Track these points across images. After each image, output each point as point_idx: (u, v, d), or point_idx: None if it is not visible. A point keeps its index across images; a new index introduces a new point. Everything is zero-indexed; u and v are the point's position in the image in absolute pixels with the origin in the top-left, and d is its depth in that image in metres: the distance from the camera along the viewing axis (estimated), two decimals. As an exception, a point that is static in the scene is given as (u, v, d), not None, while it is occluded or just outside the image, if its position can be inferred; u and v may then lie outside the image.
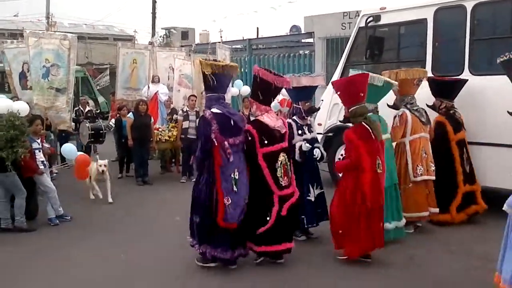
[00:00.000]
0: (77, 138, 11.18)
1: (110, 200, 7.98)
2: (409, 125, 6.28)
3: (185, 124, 9.56)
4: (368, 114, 5.87)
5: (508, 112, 5.73)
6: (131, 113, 9.71)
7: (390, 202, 5.75)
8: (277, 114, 8.59)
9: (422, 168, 6.24)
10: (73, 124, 10.92)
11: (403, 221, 5.93)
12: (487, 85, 6.61)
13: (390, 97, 6.38)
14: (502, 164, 6.43)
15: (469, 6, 6.79)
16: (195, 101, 9.98)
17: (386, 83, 5.87)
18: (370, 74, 6.00)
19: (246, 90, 11.78)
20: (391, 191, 5.82)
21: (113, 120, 11.91)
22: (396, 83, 6.09)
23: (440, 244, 5.87)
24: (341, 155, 8.47)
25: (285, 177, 5.01)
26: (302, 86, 5.76)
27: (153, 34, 26.23)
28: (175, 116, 10.20)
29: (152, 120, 9.84)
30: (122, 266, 5.35)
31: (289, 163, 5.10)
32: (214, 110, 4.91)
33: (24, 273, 5.19)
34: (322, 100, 8.93)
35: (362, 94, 5.23)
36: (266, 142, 4.95)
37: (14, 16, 29.00)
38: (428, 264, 5.25)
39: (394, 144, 6.28)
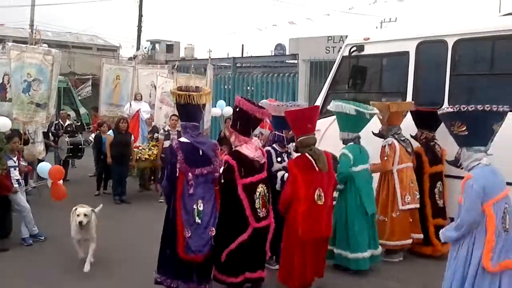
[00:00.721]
0: (55, 152, 11.04)
1: (87, 268, 5.78)
2: (397, 154, 6.41)
3: (166, 143, 9.49)
4: (350, 144, 5.98)
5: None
6: (111, 130, 9.62)
7: (367, 230, 5.83)
8: (258, 137, 8.66)
9: (409, 197, 6.37)
10: (51, 137, 10.81)
11: (380, 249, 6.02)
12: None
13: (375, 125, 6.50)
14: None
15: (450, 42, 6.92)
16: (177, 120, 9.93)
17: (364, 113, 6.00)
18: (339, 103, 6.18)
19: (229, 110, 11.79)
20: (368, 219, 5.89)
21: (93, 135, 11.82)
22: (377, 111, 6.22)
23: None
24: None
25: (263, 208, 4.97)
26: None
27: (138, 48, 26.14)
28: (156, 134, 10.15)
29: (133, 138, 9.76)
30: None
31: (267, 194, 5.05)
32: (182, 139, 4.90)
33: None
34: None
35: (310, 126, 5.31)
36: (245, 173, 4.90)
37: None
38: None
39: (379, 173, 6.45)
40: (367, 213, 5.85)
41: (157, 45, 25.48)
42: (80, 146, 10.82)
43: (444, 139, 6.76)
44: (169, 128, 9.82)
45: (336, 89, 8.49)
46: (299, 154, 5.34)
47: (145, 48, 31.16)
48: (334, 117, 8.04)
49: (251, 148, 5.00)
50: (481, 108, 3.99)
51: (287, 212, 5.15)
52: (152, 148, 9.84)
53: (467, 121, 3.98)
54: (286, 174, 5.65)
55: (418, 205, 6.47)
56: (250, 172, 4.94)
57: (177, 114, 10.29)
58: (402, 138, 6.59)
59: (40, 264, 6.05)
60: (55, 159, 11.07)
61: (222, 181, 4.92)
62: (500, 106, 4.01)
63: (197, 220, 4.73)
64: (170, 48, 36.94)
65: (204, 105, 4.98)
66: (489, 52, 6.83)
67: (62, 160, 10.82)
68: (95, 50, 36.07)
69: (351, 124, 6.16)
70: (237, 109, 5.08)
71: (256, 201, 4.91)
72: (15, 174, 6.66)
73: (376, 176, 6.50)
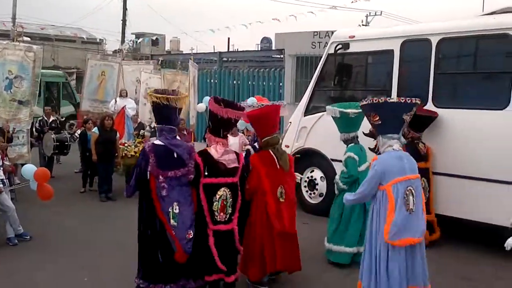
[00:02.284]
0: (40, 148, 10.93)
1: None
2: None
3: (153, 140, 9.46)
4: (351, 145, 6.11)
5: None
6: (96, 128, 9.55)
7: (358, 227, 5.96)
8: (243, 132, 8.68)
9: None
10: (36, 134, 10.70)
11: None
12: (449, 118, 6.82)
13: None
14: (463, 194, 6.64)
15: (434, 40, 6.99)
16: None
17: (348, 113, 6.11)
18: (329, 107, 6.26)
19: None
20: (361, 216, 6.00)
21: (78, 131, 11.72)
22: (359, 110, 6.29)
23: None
24: (308, 177, 8.60)
25: (221, 213, 4.87)
26: None
27: (123, 41, 25.91)
28: (142, 131, 10.11)
29: (118, 135, 9.70)
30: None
31: (231, 199, 4.93)
32: (156, 142, 4.87)
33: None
34: (290, 123, 9.03)
35: (274, 126, 5.39)
36: (207, 173, 4.85)
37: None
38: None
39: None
40: (366, 209, 5.91)
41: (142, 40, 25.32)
42: (66, 143, 10.72)
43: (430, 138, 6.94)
44: (155, 125, 9.76)
45: (321, 86, 8.54)
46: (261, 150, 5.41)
47: (130, 41, 30.87)
48: (320, 114, 8.19)
49: (219, 150, 4.94)
50: (391, 100, 4.77)
51: (251, 205, 5.20)
52: (138, 144, 9.79)
53: (380, 112, 4.54)
54: None
55: None
56: (212, 174, 4.87)
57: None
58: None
59: (26, 263, 6.00)
60: (40, 156, 10.96)
61: (192, 176, 4.89)
62: (409, 98, 4.60)
63: (173, 222, 4.71)
64: (155, 42, 36.64)
65: (180, 109, 4.96)
66: (472, 51, 6.94)
67: (47, 156, 10.72)
68: (79, 43, 35.63)
69: (346, 125, 6.27)
70: (209, 110, 5.10)
71: (215, 203, 4.84)
72: (-1, 174, 6.59)
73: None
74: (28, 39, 23.80)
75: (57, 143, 10.51)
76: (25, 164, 7.28)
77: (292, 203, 5.38)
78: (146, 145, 4.88)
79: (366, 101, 4.73)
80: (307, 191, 8.65)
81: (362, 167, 6.07)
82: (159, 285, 4.75)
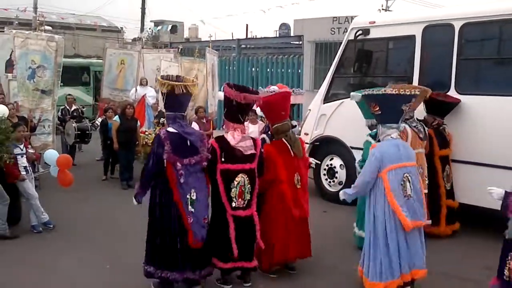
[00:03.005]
0: (62, 137, 11.09)
1: None
2: (408, 140, 6.37)
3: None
4: (374, 130, 5.99)
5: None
6: (117, 116, 9.64)
7: None
8: (262, 120, 8.66)
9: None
10: (58, 122, 10.85)
11: None
12: (471, 105, 6.70)
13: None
14: (488, 183, 6.52)
15: (457, 25, 6.84)
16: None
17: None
18: (354, 93, 6.17)
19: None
20: None
21: (99, 119, 11.84)
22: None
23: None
24: (327, 165, 8.56)
25: (240, 199, 4.89)
26: None
27: (142, 29, 25.99)
28: (162, 119, 10.16)
29: (139, 123, 9.79)
30: (107, 276, 5.36)
31: (249, 185, 4.93)
32: (170, 129, 4.84)
33: (5, 284, 5.15)
34: (309, 110, 8.98)
35: (284, 113, 5.36)
36: (225, 159, 4.86)
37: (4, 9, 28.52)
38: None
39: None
40: None
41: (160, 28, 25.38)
42: (87, 132, 10.86)
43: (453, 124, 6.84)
44: (166, 112, 9.82)
45: (341, 73, 8.46)
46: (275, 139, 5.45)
47: (149, 29, 30.95)
48: (340, 101, 8.13)
49: (237, 136, 4.94)
50: (391, 92, 5.04)
51: (267, 194, 5.22)
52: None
53: (380, 102, 4.79)
54: None
55: (426, 191, 6.49)
56: (230, 160, 4.88)
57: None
58: (414, 124, 6.54)
59: (50, 251, 6.13)
60: (62, 144, 11.13)
61: (205, 163, 4.88)
62: (408, 90, 4.96)
63: (190, 208, 4.73)
64: (174, 29, 36.65)
65: (190, 95, 4.94)
66: (496, 36, 6.78)
67: (69, 145, 10.89)
68: (100, 31, 35.85)
69: (368, 111, 6.18)
70: (224, 96, 5.08)
71: (233, 189, 4.86)
72: (22, 162, 6.68)
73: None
74: (50, 28, 24.08)
75: (78, 132, 10.66)
76: None
77: (305, 188, 5.46)
78: (162, 133, 4.84)
79: (367, 91, 5.05)
80: (326, 179, 8.62)
81: None
82: (166, 271, 4.76)
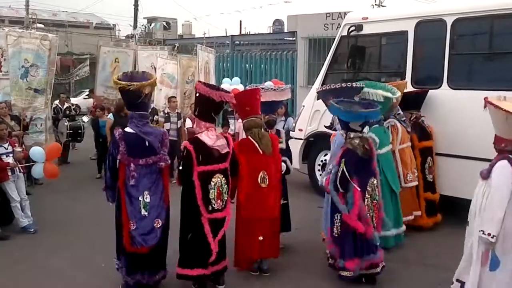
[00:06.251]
0: (55, 135, 11.06)
1: None
2: (399, 135, 6.49)
3: (166, 126, 9.52)
4: (375, 126, 6.04)
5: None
6: (111, 114, 9.62)
7: (391, 210, 5.94)
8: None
9: (411, 175, 6.53)
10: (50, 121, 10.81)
11: (403, 227, 6.16)
12: (464, 99, 6.73)
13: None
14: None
15: (449, 21, 6.88)
16: (176, 102, 9.96)
17: (390, 99, 6.13)
18: (367, 90, 6.11)
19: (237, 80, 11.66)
20: (392, 198, 6.05)
21: (85, 118, 11.88)
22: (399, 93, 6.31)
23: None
24: (321, 161, 8.59)
25: (219, 200, 4.75)
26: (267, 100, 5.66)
27: (135, 26, 25.88)
28: (156, 117, 10.13)
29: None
30: (103, 274, 5.36)
31: (226, 185, 4.82)
32: (127, 129, 4.77)
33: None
34: (303, 106, 9.00)
35: (249, 108, 5.28)
36: (202, 161, 4.69)
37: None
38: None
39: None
40: (394, 191, 6.05)
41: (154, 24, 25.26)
42: (80, 130, 10.86)
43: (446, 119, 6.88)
44: (169, 111, 9.84)
45: (335, 69, 8.48)
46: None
47: (142, 25, 30.85)
48: (333, 98, 8.14)
49: (212, 136, 4.80)
50: (343, 85, 5.81)
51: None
52: (152, 130, 9.84)
53: (335, 96, 5.29)
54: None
55: (417, 182, 6.66)
56: (207, 161, 4.73)
57: (175, 95, 10.37)
58: (403, 119, 6.70)
59: (43, 249, 6.12)
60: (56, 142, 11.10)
61: (181, 167, 4.80)
62: (356, 83, 5.88)
63: (143, 212, 4.65)
64: (167, 25, 36.57)
65: (150, 94, 4.85)
66: (488, 31, 6.79)
67: (62, 143, 10.85)
68: (92, 29, 35.71)
69: None
70: (197, 94, 4.89)
71: (211, 191, 4.71)
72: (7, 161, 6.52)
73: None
74: (42, 26, 23.93)
75: (71, 131, 10.66)
76: None
77: (276, 187, 5.27)
78: (117, 133, 4.72)
79: (321, 88, 5.73)
80: (320, 175, 8.64)
81: (383, 150, 6.06)
82: (137, 274, 4.73)
